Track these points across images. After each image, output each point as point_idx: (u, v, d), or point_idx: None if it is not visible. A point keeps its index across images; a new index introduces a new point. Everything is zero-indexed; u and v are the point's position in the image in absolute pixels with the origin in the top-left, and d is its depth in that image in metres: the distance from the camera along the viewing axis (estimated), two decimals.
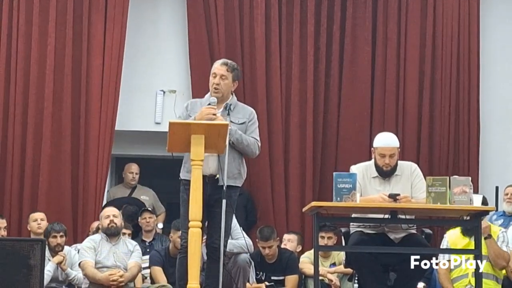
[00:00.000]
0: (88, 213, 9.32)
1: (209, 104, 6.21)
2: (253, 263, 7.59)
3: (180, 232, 6.51)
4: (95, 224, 8.82)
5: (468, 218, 6.38)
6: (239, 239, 7.42)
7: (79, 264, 7.76)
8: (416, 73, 9.86)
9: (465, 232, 7.43)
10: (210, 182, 6.10)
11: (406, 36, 9.88)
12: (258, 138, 6.39)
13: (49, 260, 7.70)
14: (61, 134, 9.45)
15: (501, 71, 10.10)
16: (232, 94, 6.41)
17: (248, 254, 7.47)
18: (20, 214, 9.22)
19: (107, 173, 9.52)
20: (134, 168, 9.71)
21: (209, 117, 6.05)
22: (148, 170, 9.96)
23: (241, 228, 7.57)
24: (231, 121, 6.20)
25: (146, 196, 9.65)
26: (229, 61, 6.45)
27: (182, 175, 6.29)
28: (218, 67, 6.33)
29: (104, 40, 9.54)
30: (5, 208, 9.26)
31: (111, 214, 7.90)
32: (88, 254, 7.73)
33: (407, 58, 9.87)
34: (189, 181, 6.12)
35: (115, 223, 7.85)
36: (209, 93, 6.40)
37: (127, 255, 7.82)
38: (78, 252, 7.95)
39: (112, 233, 7.83)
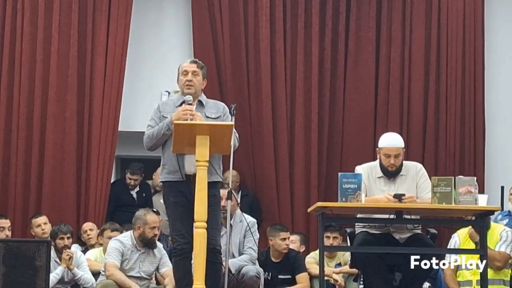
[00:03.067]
0: (91, 214, 9.31)
1: (183, 102, 6.20)
2: (261, 274, 7.59)
3: (171, 235, 6.47)
4: (88, 225, 8.81)
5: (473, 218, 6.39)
6: (245, 250, 7.46)
7: (105, 264, 7.48)
8: (420, 73, 9.86)
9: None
10: (194, 181, 6.03)
11: (411, 36, 9.89)
12: (235, 130, 6.38)
13: (56, 262, 7.68)
14: (65, 135, 9.46)
15: (506, 71, 10.10)
16: (201, 91, 6.39)
17: (256, 264, 7.51)
18: (25, 216, 9.21)
19: (110, 174, 9.52)
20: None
21: (186, 116, 6.05)
22: (152, 171, 9.94)
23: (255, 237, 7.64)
24: (207, 116, 6.22)
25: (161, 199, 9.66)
26: (197, 60, 6.47)
27: (163, 177, 6.27)
28: (188, 65, 6.33)
29: (107, 41, 9.55)
30: (10, 209, 9.26)
31: (157, 227, 7.54)
32: (116, 257, 7.40)
33: (411, 58, 9.87)
34: (170, 182, 6.16)
35: (156, 234, 7.53)
36: (178, 94, 6.40)
37: (153, 264, 7.56)
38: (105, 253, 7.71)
39: (151, 245, 7.54)
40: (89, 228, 8.78)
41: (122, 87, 9.57)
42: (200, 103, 6.31)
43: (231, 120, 6.51)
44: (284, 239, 8.00)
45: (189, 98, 6.18)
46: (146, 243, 7.51)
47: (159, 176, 6.35)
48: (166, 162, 6.22)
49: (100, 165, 9.41)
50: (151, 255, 7.54)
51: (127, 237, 7.58)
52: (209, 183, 6.02)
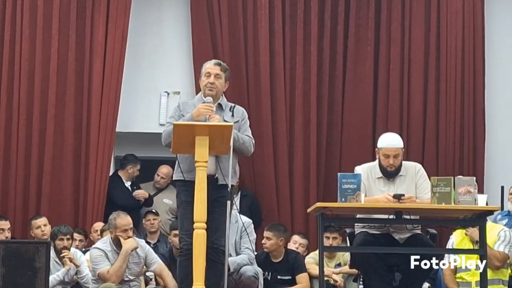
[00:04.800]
0: (89, 215, 9.29)
1: (203, 103, 6.24)
2: (260, 274, 7.57)
3: (179, 234, 6.49)
4: (99, 225, 8.79)
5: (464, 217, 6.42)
6: (242, 251, 7.44)
7: (98, 274, 7.40)
8: (420, 73, 9.85)
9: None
10: (208, 182, 6.08)
11: (410, 36, 9.87)
12: (252, 136, 6.43)
13: (56, 262, 7.67)
14: (64, 136, 9.43)
15: (507, 70, 10.08)
16: (222, 94, 6.42)
17: (254, 264, 7.49)
18: (25, 217, 9.19)
19: (108, 175, 9.49)
20: (162, 170, 9.71)
21: (206, 113, 6.09)
22: (152, 172, 9.95)
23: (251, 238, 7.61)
24: (225, 120, 6.25)
25: (169, 199, 9.64)
26: (221, 62, 6.50)
27: (177, 176, 6.31)
28: (212, 66, 6.37)
29: (105, 42, 9.53)
30: (10, 210, 9.25)
31: (129, 228, 7.41)
32: (105, 262, 7.34)
33: (411, 58, 9.86)
34: (184, 181, 6.17)
35: (129, 236, 7.42)
36: (199, 94, 6.43)
37: (139, 264, 7.50)
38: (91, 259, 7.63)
39: None
40: (100, 228, 8.74)
41: (120, 88, 9.55)
42: (220, 106, 6.34)
43: (249, 124, 6.50)
44: (263, 237, 7.96)
45: (209, 99, 6.22)
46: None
47: (174, 175, 6.35)
48: (181, 161, 6.24)
49: (99, 166, 9.38)
50: (134, 255, 7.45)
51: (106, 243, 7.52)
52: (223, 185, 6.08)
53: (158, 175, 9.74)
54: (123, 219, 7.44)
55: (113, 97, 9.49)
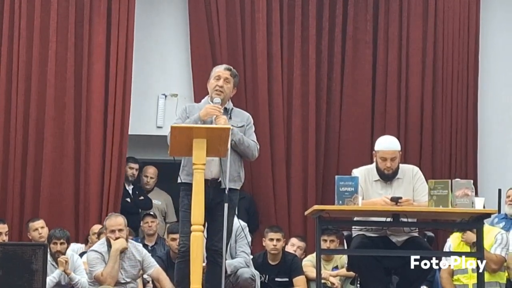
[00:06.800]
0: (90, 218, 9.29)
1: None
2: (257, 277, 7.57)
3: (178, 237, 6.50)
4: (97, 227, 8.78)
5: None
6: (238, 254, 7.44)
7: (94, 276, 7.40)
8: (417, 76, 9.86)
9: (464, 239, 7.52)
10: (212, 186, 6.12)
11: (408, 39, 9.89)
12: (257, 141, 6.44)
13: (52, 265, 7.66)
14: (63, 138, 9.42)
15: (502, 74, 10.11)
16: (229, 100, 6.43)
17: (251, 267, 7.49)
18: (21, 219, 9.18)
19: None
20: (149, 171, 9.71)
21: (213, 113, 6.11)
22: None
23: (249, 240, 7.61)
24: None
25: (158, 200, 9.65)
26: (231, 67, 6.50)
27: (181, 179, 6.31)
28: (222, 71, 6.38)
29: (107, 44, 9.51)
30: (7, 212, 9.24)
31: (117, 229, 7.37)
32: (101, 264, 7.34)
33: (408, 61, 9.88)
34: (189, 184, 6.15)
35: (117, 237, 7.38)
36: (206, 97, 6.43)
37: (135, 267, 7.49)
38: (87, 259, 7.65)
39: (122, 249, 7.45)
40: (98, 231, 8.71)
41: (130, 91, 9.51)
42: (226, 110, 6.35)
43: (254, 129, 6.50)
44: (272, 239, 7.99)
45: (217, 100, 6.23)
46: None
47: (179, 177, 6.36)
48: (186, 164, 6.24)
49: (107, 168, 9.30)
50: (131, 258, 7.45)
51: (103, 244, 7.50)
52: (229, 189, 6.08)
53: (146, 176, 9.72)
54: (112, 220, 7.46)
55: (119, 100, 9.43)
